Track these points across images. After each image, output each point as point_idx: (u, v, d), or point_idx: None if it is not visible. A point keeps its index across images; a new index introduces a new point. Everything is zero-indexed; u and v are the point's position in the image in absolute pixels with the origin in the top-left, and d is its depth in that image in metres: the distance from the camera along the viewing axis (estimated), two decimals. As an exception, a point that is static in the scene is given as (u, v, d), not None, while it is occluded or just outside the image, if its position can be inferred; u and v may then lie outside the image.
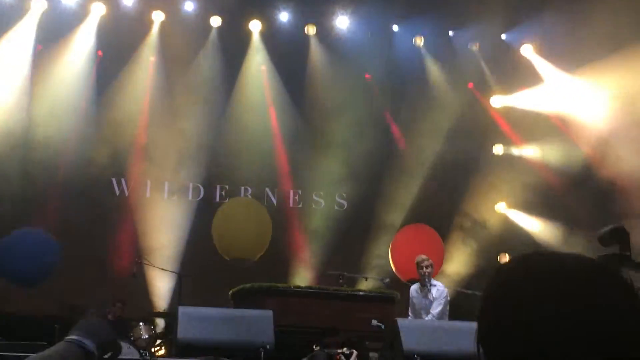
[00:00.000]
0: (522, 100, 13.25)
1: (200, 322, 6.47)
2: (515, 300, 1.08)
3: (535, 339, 1.04)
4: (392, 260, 12.92)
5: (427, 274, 8.88)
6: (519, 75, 13.23)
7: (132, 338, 9.69)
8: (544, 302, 1.05)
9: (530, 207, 12.85)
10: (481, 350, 1.12)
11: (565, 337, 1.03)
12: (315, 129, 13.49)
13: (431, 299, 8.86)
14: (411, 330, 6.75)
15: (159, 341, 10.24)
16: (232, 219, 13.05)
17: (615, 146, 11.45)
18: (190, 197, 13.54)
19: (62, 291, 10.88)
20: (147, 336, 9.90)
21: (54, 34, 12.86)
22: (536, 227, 12.83)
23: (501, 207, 13.31)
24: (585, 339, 1.02)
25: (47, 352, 1.76)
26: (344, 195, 13.85)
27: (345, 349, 5.90)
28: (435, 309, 8.76)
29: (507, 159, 13.42)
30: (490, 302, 1.13)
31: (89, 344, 1.75)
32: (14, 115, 12.38)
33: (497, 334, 1.09)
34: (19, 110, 12.46)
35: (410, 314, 9.06)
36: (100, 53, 13.18)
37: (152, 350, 9.95)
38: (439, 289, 8.95)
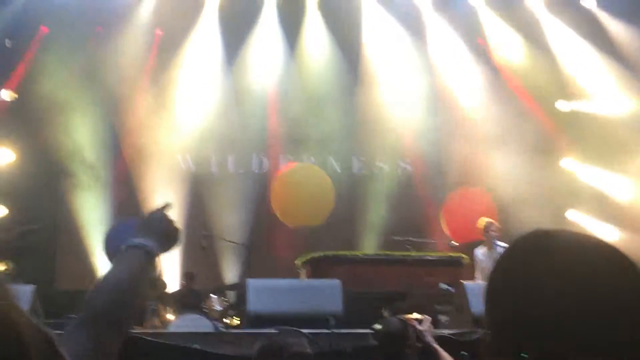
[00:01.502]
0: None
1: (269, 294, 6.61)
2: (527, 281, 1.04)
3: (546, 330, 1.00)
4: (446, 224, 12.57)
5: (495, 237, 8.88)
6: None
7: (204, 310, 9.90)
8: (559, 290, 1.01)
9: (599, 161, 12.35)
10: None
11: (578, 336, 0.99)
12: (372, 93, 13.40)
13: (500, 260, 8.78)
14: (479, 293, 6.73)
15: (231, 312, 10.43)
16: (290, 184, 12.67)
17: None
18: (256, 170, 13.71)
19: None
20: (219, 308, 10.09)
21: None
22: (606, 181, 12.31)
23: (567, 163, 12.88)
24: (601, 341, 0.98)
25: (116, 267, 1.65)
26: (407, 160, 13.79)
27: (417, 315, 5.89)
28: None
29: (571, 114, 12.95)
30: (501, 278, 1.08)
31: (151, 244, 1.69)
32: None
33: (506, 316, 1.06)
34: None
35: (478, 277, 9.03)
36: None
37: (225, 321, 10.13)
38: (506, 250, 8.86)
